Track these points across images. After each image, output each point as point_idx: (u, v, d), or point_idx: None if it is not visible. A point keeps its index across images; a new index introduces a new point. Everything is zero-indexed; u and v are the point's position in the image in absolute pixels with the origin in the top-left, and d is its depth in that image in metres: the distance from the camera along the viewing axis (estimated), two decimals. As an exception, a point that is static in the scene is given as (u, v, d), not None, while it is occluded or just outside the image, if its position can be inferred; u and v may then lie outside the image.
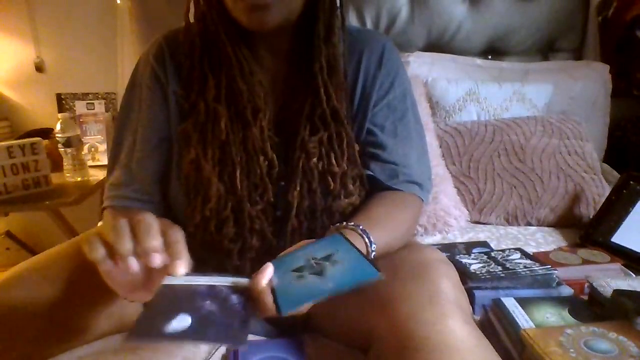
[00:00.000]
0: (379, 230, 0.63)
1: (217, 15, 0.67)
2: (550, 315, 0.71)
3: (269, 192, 0.69)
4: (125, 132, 0.76)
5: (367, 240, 0.61)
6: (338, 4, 0.71)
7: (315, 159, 0.69)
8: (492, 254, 0.93)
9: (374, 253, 0.61)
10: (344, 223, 0.64)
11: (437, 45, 1.64)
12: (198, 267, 0.72)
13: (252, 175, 0.69)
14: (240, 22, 0.65)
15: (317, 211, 0.70)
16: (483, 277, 0.81)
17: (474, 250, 0.99)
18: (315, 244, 0.57)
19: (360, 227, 0.62)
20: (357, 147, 0.73)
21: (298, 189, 0.69)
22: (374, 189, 0.75)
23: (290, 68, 0.73)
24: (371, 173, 0.75)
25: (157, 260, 0.48)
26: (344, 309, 0.64)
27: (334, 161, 0.69)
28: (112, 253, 0.48)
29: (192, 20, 0.73)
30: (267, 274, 0.51)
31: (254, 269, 0.66)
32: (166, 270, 0.49)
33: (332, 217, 0.71)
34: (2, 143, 1.41)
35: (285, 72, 0.73)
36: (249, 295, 0.51)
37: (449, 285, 0.58)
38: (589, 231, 1.11)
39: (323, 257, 0.52)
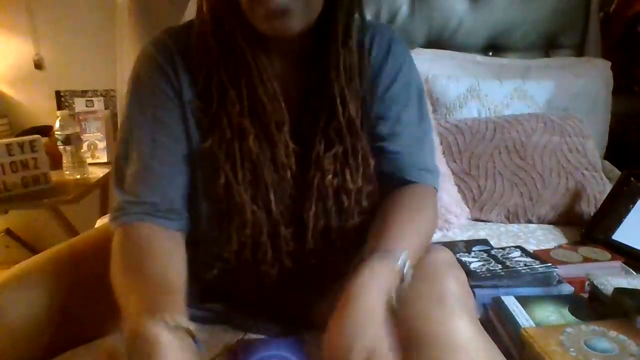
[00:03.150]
0: (407, 243, 0.58)
1: (235, 16, 0.61)
2: (551, 313, 0.70)
3: (298, 212, 0.66)
4: (137, 140, 0.66)
5: (401, 265, 0.55)
6: (357, 5, 0.66)
7: (330, 176, 0.65)
8: (492, 252, 0.92)
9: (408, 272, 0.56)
10: (370, 247, 0.58)
11: (437, 41, 1.63)
12: (235, 296, 0.70)
13: (284, 196, 0.66)
14: (259, 29, 0.60)
15: (331, 230, 0.68)
16: (483, 275, 0.81)
17: (474, 248, 0.98)
18: None
19: (389, 250, 0.56)
20: (372, 163, 0.69)
21: (314, 209, 0.66)
22: (384, 182, 0.71)
23: (304, 75, 0.68)
24: (379, 168, 0.71)
25: None
26: None
27: (348, 177, 0.66)
28: None
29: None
30: None
31: (288, 289, 0.67)
32: None
33: (346, 235, 0.68)
34: (1, 141, 1.41)
35: (298, 80, 0.68)
36: None
37: (456, 285, 0.58)
38: (590, 229, 1.10)
39: None
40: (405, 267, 0.55)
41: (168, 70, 0.65)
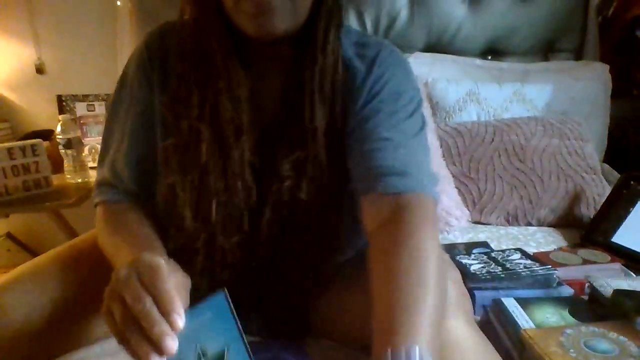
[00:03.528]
0: (417, 329, 0.46)
1: (212, 18, 0.61)
2: (551, 315, 0.71)
3: (245, 224, 0.64)
4: (114, 126, 0.71)
5: None
6: (339, 10, 0.64)
7: (287, 184, 0.63)
8: (492, 254, 0.93)
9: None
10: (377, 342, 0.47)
11: (437, 46, 1.64)
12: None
13: (229, 205, 0.64)
14: (243, 30, 0.59)
15: (287, 240, 0.66)
16: (483, 277, 0.81)
17: (474, 251, 0.99)
18: (211, 323, 0.46)
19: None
20: (332, 176, 0.65)
21: (268, 216, 0.64)
22: (361, 201, 0.62)
23: (283, 80, 0.66)
24: (354, 185, 0.65)
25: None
26: (349, 310, 0.64)
27: (305, 187, 0.63)
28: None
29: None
30: None
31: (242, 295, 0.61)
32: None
33: (305, 245, 0.66)
34: (3, 144, 1.41)
35: (276, 88, 0.66)
36: None
37: (452, 286, 0.58)
38: (589, 231, 1.11)
39: (214, 355, 0.45)
40: None
41: (149, 67, 0.67)
